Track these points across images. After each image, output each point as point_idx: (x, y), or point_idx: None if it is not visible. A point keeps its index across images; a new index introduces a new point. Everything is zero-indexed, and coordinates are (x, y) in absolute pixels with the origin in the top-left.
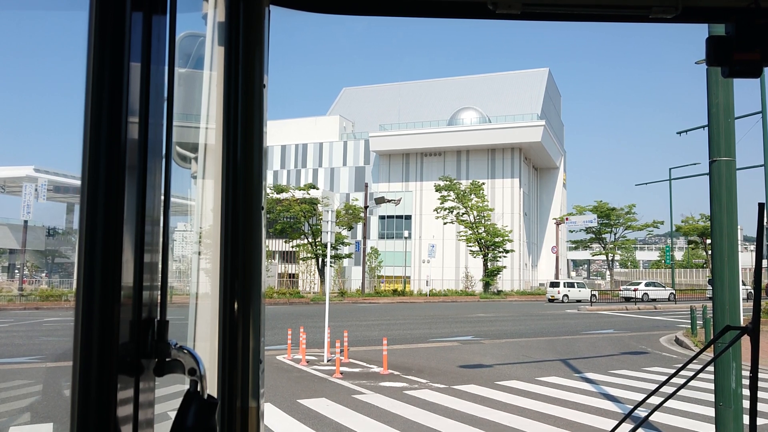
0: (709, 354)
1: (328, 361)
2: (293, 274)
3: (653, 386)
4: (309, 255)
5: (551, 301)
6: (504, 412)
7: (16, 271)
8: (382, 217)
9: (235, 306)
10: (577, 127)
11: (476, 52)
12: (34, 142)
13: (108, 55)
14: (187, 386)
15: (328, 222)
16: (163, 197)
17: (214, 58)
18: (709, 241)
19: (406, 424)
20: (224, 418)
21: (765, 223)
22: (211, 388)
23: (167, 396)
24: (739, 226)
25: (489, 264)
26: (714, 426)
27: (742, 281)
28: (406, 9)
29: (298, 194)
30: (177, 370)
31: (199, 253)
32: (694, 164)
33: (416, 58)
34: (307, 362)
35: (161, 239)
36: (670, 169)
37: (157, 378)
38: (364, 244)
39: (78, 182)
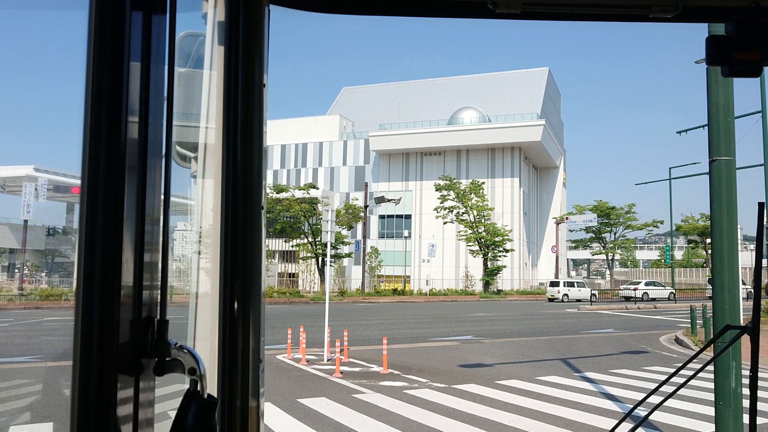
0: (709, 353)
1: (328, 360)
2: (293, 274)
3: (653, 385)
4: (309, 254)
5: (551, 300)
6: (504, 411)
7: (16, 270)
8: (382, 217)
9: (235, 305)
10: (577, 127)
11: (476, 52)
12: (34, 142)
13: (108, 55)
14: (187, 386)
15: (328, 221)
16: (163, 197)
17: (214, 58)
18: (709, 240)
19: (406, 424)
20: (224, 418)
21: (765, 223)
22: (211, 387)
23: (167, 395)
24: (739, 226)
25: (489, 263)
26: (714, 425)
27: (742, 281)
28: (406, 9)
29: (298, 194)
30: (177, 369)
31: (199, 253)
32: (694, 164)
33: (416, 58)
34: (307, 362)
35: (161, 239)
36: (670, 168)
37: (157, 377)
38: (364, 243)
39: (78, 182)
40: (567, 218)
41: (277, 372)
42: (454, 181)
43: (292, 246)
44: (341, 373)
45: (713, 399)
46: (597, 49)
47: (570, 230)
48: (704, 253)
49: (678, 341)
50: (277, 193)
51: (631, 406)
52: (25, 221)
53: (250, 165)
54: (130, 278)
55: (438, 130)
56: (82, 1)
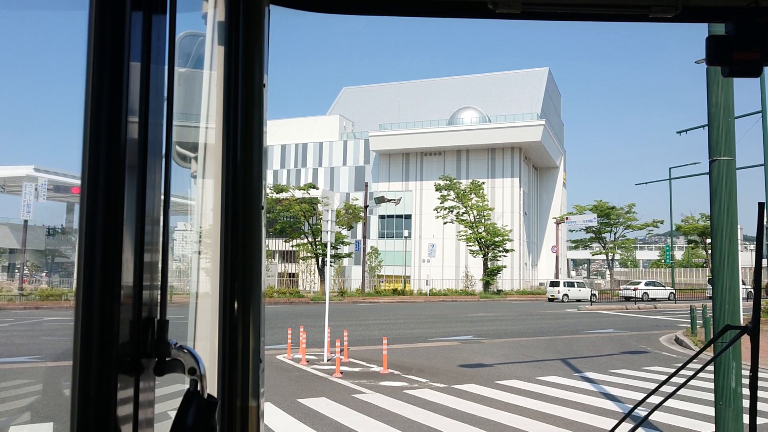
0: (709, 353)
1: (328, 360)
2: (293, 274)
3: (653, 385)
4: (309, 254)
5: (551, 300)
6: (504, 411)
7: (16, 270)
8: (382, 217)
9: (235, 305)
10: (577, 127)
11: (476, 52)
12: (34, 142)
13: (108, 55)
14: (187, 386)
15: (328, 221)
16: (163, 197)
17: (214, 58)
18: (709, 240)
19: (406, 424)
20: (224, 418)
21: (765, 223)
22: (211, 387)
23: (167, 395)
24: (739, 226)
25: (489, 263)
26: (714, 425)
27: (742, 281)
28: (406, 9)
29: (298, 194)
30: (177, 369)
31: (199, 253)
32: (694, 164)
33: (416, 58)
34: (307, 362)
35: (161, 239)
36: (670, 168)
37: (157, 377)
38: (364, 243)
39: (78, 182)
40: (567, 218)
41: (277, 372)
42: (454, 181)
43: (292, 246)
44: (341, 373)
45: (713, 399)
46: (597, 49)
47: (570, 230)
48: (704, 253)
49: (678, 341)
50: (277, 193)
51: (631, 406)
52: (25, 221)
53: (250, 165)
54: (130, 278)
55: (438, 130)
56: (82, 1)
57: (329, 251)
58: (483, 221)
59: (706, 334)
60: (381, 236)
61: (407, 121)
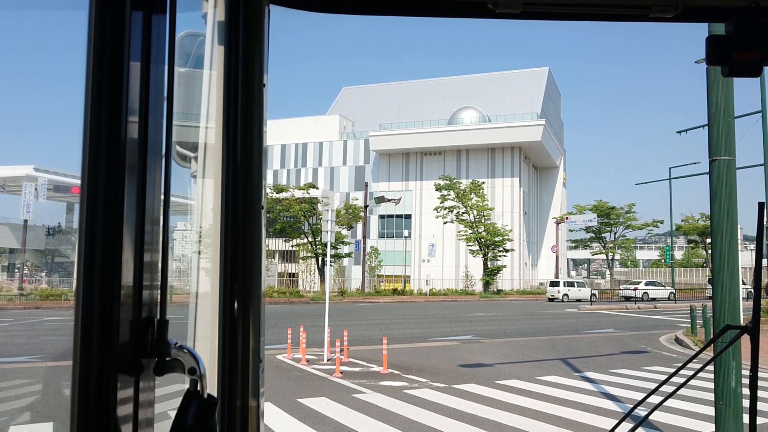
0: (709, 353)
1: (328, 360)
2: (293, 274)
3: (653, 385)
4: (309, 254)
5: (551, 300)
6: (504, 411)
7: (16, 270)
8: (382, 217)
9: (235, 305)
10: (577, 127)
11: (476, 52)
12: (34, 142)
13: (108, 55)
14: (187, 385)
15: (327, 221)
16: (163, 197)
17: (214, 58)
18: (709, 240)
19: (406, 424)
20: (224, 418)
21: (765, 223)
22: (211, 387)
23: (167, 395)
24: (739, 226)
25: (489, 263)
26: (714, 425)
27: (742, 280)
28: (406, 8)
29: (298, 194)
30: (177, 369)
31: (199, 253)
32: (694, 163)
33: (416, 58)
34: (307, 361)
35: (161, 239)
36: (669, 168)
37: (157, 377)
38: (364, 243)
39: (78, 182)
40: (567, 218)
41: (277, 372)
42: (454, 181)
43: (292, 246)
44: (341, 372)
45: (713, 399)
46: (597, 49)
47: (570, 230)
48: (704, 253)
49: (678, 341)
50: (277, 193)
51: (631, 406)
52: (25, 221)
53: (250, 165)
54: (130, 278)
55: (438, 130)
56: (82, 1)
57: (329, 251)
58: (483, 221)
59: (706, 334)
60: (381, 236)
61: (407, 121)
